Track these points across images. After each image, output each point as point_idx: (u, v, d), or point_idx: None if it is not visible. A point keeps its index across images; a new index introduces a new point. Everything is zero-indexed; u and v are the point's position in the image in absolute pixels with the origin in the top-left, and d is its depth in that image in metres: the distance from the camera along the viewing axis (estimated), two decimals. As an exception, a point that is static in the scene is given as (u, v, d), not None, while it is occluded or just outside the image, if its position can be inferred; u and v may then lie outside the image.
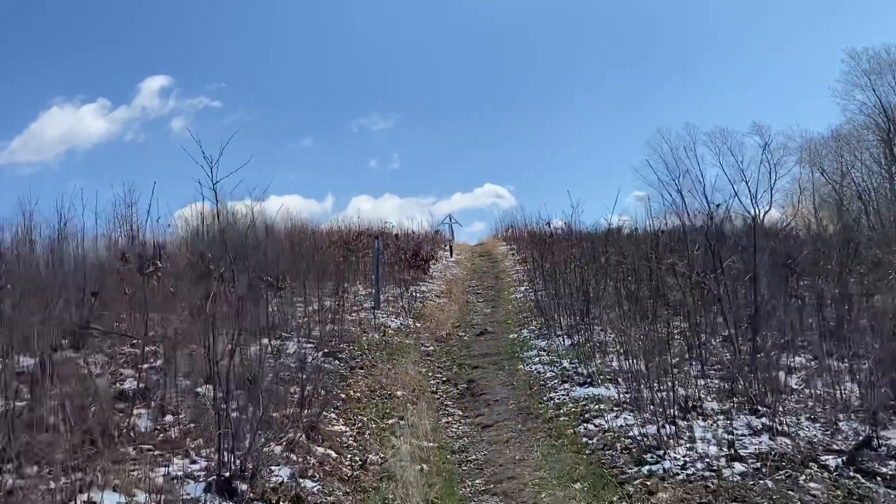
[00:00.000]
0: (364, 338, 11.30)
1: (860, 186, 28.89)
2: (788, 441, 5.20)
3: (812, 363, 8.23)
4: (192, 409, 6.34)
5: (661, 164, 29.47)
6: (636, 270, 10.44)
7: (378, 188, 68.31)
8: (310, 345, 10.28)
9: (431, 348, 11.27)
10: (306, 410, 6.82)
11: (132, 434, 5.37)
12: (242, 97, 48.67)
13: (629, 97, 51.24)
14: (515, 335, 11.54)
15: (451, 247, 27.58)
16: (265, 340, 10.11)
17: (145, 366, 8.66)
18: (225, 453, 4.89)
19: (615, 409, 6.55)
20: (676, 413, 5.73)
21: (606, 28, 51.77)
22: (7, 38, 38.27)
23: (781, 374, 7.33)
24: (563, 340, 9.98)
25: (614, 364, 8.24)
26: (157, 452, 5.13)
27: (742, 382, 6.63)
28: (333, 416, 7.12)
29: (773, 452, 4.90)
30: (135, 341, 9.33)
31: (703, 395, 6.75)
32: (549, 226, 20.25)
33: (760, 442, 5.26)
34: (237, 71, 49.93)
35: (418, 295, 16.76)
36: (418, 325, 13.37)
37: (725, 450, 5.06)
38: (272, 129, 49.21)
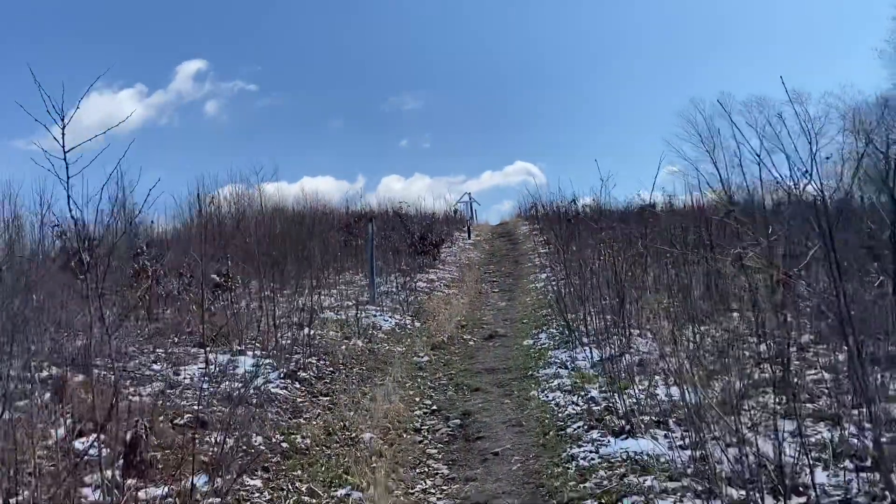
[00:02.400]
0: (344, 346, 9.15)
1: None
2: None
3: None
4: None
5: (696, 136, 26.77)
6: (685, 263, 8.05)
7: (408, 168, 67.04)
8: (270, 360, 8.16)
9: (426, 359, 9.07)
10: (216, 481, 4.69)
11: None
12: (277, 80, 47.22)
13: (663, 69, 48.12)
14: (531, 341, 9.28)
15: (468, 228, 25.47)
16: (213, 356, 8.03)
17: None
18: None
19: (671, 484, 4.26)
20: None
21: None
22: (52, 25, 36.98)
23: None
24: (590, 352, 7.69)
25: (660, 393, 5.94)
26: None
27: (868, 442, 4.30)
28: (258, 483, 4.96)
29: None
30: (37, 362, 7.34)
31: (802, 451, 4.42)
32: (575, 203, 17.92)
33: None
34: (273, 54, 48.41)
35: (424, 285, 14.57)
36: (417, 324, 11.20)
37: None
38: (304, 110, 47.75)
